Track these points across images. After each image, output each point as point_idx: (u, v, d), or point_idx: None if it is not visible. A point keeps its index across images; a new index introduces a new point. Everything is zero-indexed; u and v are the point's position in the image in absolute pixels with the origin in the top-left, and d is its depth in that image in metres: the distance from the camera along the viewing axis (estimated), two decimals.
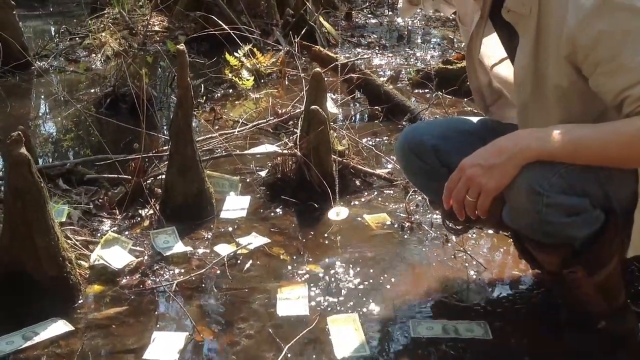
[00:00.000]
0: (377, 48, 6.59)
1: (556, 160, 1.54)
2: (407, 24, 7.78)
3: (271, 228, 2.65)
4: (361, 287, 2.20)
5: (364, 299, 2.13)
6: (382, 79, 4.56)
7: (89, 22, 6.93)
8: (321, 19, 6.46)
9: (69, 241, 2.28)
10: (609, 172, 1.57)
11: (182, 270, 2.31)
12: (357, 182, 3.07)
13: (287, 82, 4.97)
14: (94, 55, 6.12)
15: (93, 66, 5.82)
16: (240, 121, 3.81)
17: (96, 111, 4.27)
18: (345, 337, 1.91)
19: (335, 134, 3.12)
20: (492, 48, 1.88)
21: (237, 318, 2.04)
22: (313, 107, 2.76)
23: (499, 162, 1.57)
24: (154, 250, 2.43)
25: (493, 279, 2.25)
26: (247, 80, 4.79)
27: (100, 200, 2.83)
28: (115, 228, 2.61)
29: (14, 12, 5.62)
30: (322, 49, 4.70)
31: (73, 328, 1.97)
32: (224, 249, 2.43)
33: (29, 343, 1.89)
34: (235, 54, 4.95)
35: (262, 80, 5.03)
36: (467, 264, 2.32)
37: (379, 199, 2.93)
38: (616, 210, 1.64)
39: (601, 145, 1.52)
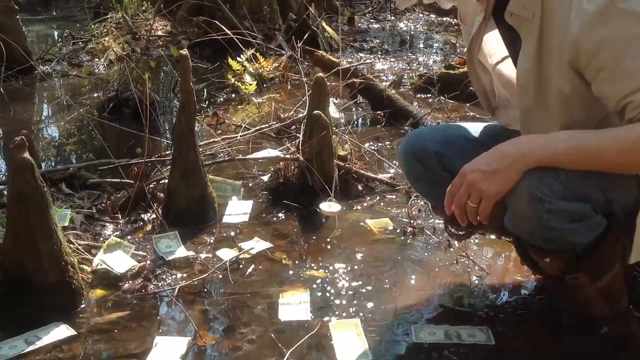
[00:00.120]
0: (380, 53, 6.60)
1: (558, 166, 1.54)
2: (409, 28, 7.79)
3: (273, 233, 2.65)
4: (363, 292, 2.20)
5: (366, 304, 2.13)
6: (384, 83, 4.57)
7: (92, 26, 6.95)
8: (324, 23, 6.48)
9: (71, 245, 2.28)
10: (611, 178, 1.57)
11: (185, 275, 2.31)
12: (360, 187, 3.07)
13: (289, 87, 4.99)
14: (97, 59, 6.14)
15: (96, 70, 5.83)
16: (243, 126, 3.82)
17: (99, 115, 4.27)
18: (347, 342, 1.91)
19: (337, 139, 3.12)
20: (494, 45, 1.88)
21: (239, 323, 2.04)
22: (315, 111, 2.77)
23: (501, 168, 1.57)
24: (157, 255, 2.43)
25: (495, 284, 2.25)
26: (250, 84, 4.79)
27: (102, 204, 2.84)
28: (117, 232, 2.61)
29: (17, 16, 5.64)
30: (324, 53, 4.70)
31: (75, 332, 1.97)
32: (226, 254, 2.43)
33: (31, 347, 1.89)
34: (238, 58, 4.96)
35: (265, 85, 5.04)
36: (469, 269, 2.32)
37: (381, 203, 2.94)
38: (618, 216, 1.65)
39: (603, 151, 1.52)
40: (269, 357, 1.86)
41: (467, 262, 2.36)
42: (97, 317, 2.07)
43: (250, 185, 3.09)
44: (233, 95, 4.92)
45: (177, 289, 2.20)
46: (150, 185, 2.86)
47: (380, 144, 3.74)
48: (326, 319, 2.03)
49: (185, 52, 2.54)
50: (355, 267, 2.37)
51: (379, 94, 4.22)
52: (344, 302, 2.14)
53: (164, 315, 2.10)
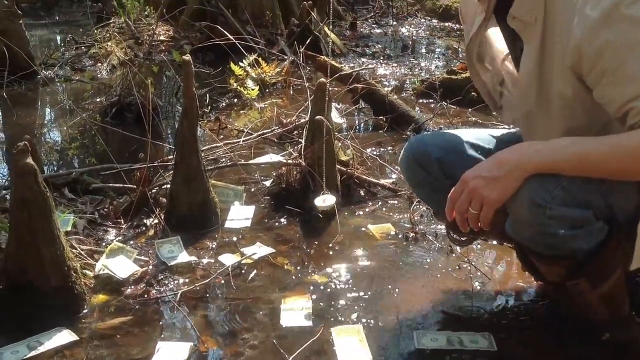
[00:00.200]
0: (382, 58, 6.61)
1: (558, 173, 1.54)
2: (411, 33, 7.80)
3: (275, 238, 2.65)
4: (365, 297, 2.20)
5: (368, 309, 2.13)
6: (386, 88, 4.57)
7: (95, 31, 6.97)
8: (326, 28, 6.48)
9: (74, 250, 2.29)
10: (612, 184, 1.57)
11: (187, 280, 2.31)
12: (362, 192, 3.08)
13: (291, 92, 4.99)
14: (99, 64, 6.16)
15: (99, 75, 5.85)
16: (245, 131, 3.83)
17: (102, 120, 4.28)
18: (349, 348, 1.91)
19: (340, 144, 3.13)
20: (500, 41, 1.88)
21: (241, 328, 2.04)
22: (318, 117, 2.77)
23: (502, 175, 1.57)
24: (159, 260, 2.43)
25: (497, 290, 2.25)
26: (252, 89, 4.80)
27: (105, 209, 2.84)
28: (120, 237, 2.62)
29: (20, 21, 5.65)
30: (326, 58, 4.71)
31: (78, 338, 1.97)
32: (228, 259, 2.43)
33: (33, 353, 1.89)
34: (240, 63, 4.96)
35: (267, 90, 5.04)
36: (471, 275, 2.32)
37: (383, 209, 2.94)
38: (619, 222, 1.65)
39: (603, 158, 1.52)
40: None
41: (469, 267, 2.36)
42: (100, 322, 2.07)
43: (252, 190, 3.09)
44: (235, 100, 4.93)
45: (179, 294, 2.20)
46: (153, 190, 2.87)
47: (382, 149, 3.74)
48: (328, 324, 2.03)
49: (188, 57, 2.54)
50: (357, 272, 2.37)
51: (381, 99, 4.22)
52: (346, 308, 2.14)
53: (166, 321, 2.10)
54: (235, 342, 1.97)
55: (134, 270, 2.33)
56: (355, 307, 2.14)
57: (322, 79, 2.93)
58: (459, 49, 6.77)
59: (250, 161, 3.35)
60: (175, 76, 4.93)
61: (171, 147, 3.54)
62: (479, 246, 2.52)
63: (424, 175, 1.98)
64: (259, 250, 2.50)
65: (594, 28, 1.47)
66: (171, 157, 3.16)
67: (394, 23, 8.77)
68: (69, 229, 2.55)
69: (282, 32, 6.83)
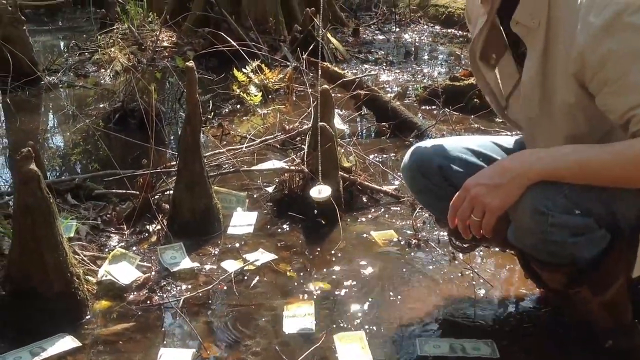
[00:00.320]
0: (384, 64, 6.62)
1: (560, 181, 1.55)
2: (414, 40, 7.81)
3: (278, 244, 2.65)
4: (368, 304, 2.20)
5: (371, 316, 2.13)
6: (389, 95, 4.58)
7: (99, 37, 6.99)
8: (329, 35, 6.50)
9: (77, 256, 2.29)
10: (614, 192, 1.57)
11: (189, 286, 2.31)
12: (364, 199, 3.08)
13: (294, 98, 5.00)
14: (103, 70, 6.18)
15: (102, 81, 5.87)
16: (248, 137, 3.84)
17: (105, 126, 4.29)
18: (352, 355, 1.91)
19: (342, 150, 3.13)
20: None
21: (243, 335, 2.04)
22: (321, 123, 2.77)
23: (504, 182, 1.57)
24: (161, 266, 2.43)
25: (500, 297, 2.25)
26: (255, 96, 4.81)
27: (108, 215, 2.85)
28: (123, 243, 2.62)
29: (24, 27, 5.67)
30: (329, 65, 4.72)
31: (80, 344, 1.97)
32: (231, 265, 2.43)
33: (36, 359, 1.90)
34: (243, 69, 4.97)
35: (270, 96, 5.05)
36: (474, 282, 2.32)
37: (386, 215, 2.94)
38: (622, 230, 1.65)
39: (605, 166, 1.52)
40: None
41: (471, 274, 2.36)
42: (102, 328, 2.08)
43: (255, 196, 3.10)
44: (238, 106, 4.93)
45: (181, 300, 2.20)
46: (156, 197, 2.87)
47: (385, 156, 3.75)
48: (331, 331, 2.02)
49: (191, 64, 2.55)
50: (360, 279, 2.37)
51: (383, 106, 4.22)
52: (348, 314, 2.14)
53: (168, 327, 2.10)
54: (237, 348, 1.97)
55: (136, 276, 2.34)
56: (358, 314, 2.14)
57: (325, 86, 2.94)
58: (462, 56, 6.78)
59: (253, 167, 3.36)
60: (178, 82, 4.95)
61: (174, 153, 3.54)
62: (481, 253, 2.52)
63: (426, 182, 1.98)
64: (262, 256, 2.50)
65: (597, 36, 1.47)
66: (174, 163, 3.16)
67: (397, 29, 8.79)
68: (71, 235, 2.55)
69: (285, 39, 6.85)
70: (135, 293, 2.27)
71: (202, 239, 2.66)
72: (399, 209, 3.00)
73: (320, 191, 2.53)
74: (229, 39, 5.32)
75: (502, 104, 1.92)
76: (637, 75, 1.45)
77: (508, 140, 2.07)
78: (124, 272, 2.33)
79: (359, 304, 2.20)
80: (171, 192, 2.76)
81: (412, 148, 2.06)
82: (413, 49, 7.18)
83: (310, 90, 4.20)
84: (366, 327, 2.06)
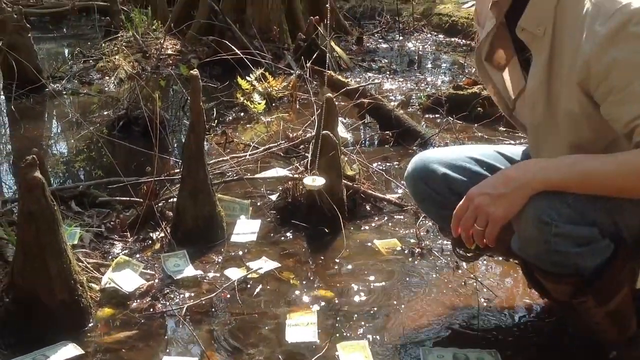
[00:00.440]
0: (388, 73, 6.62)
1: (564, 191, 1.54)
2: (417, 48, 7.82)
3: (281, 252, 2.65)
4: (371, 313, 2.20)
5: (374, 325, 2.12)
6: (392, 103, 4.58)
7: (103, 44, 7.01)
8: (333, 43, 6.51)
9: (80, 264, 2.29)
10: (618, 202, 1.57)
11: (192, 294, 2.31)
12: (368, 207, 3.08)
13: (298, 106, 5.01)
14: (107, 77, 6.19)
15: (106, 89, 5.88)
16: (252, 145, 3.84)
17: (109, 134, 4.30)
18: None
19: (346, 159, 3.13)
20: None
21: (246, 343, 2.03)
22: (324, 131, 2.78)
23: (507, 192, 1.57)
24: (165, 274, 2.43)
25: (504, 306, 2.24)
26: (259, 104, 4.81)
27: (112, 222, 2.85)
28: (126, 251, 2.62)
29: (29, 34, 5.69)
30: (333, 73, 4.72)
31: (83, 352, 1.97)
32: (234, 273, 2.43)
33: None
34: (247, 77, 4.98)
35: (274, 104, 5.06)
36: (477, 291, 2.31)
37: (389, 224, 2.93)
38: (626, 240, 1.64)
39: (609, 176, 1.52)
40: None
41: (475, 284, 2.35)
42: (105, 336, 2.08)
43: (258, 204, 3.10)
44: (242, 114, 4.94)
45: (184, 308, 2.20)
46: (159, 204, 2.87)
47: (388, 164, 3.75)
48: (334, 340, 2.02)
49: (195, 72, 2.56)
50: (363, 288, 2.36)
51: (387, 114, 4.22)
52: (351, 323, 2.13)
53: (171, 335, 2.10)
54: (240, 357, 1.97)
55: (139, 283, 2.34)
56: (361, 323, 2.14)
57: (329, 94, 2.94)
58: (465, 64, 6.79)
59: (257, 175, 3.36)
60: (182, 90, 4.95)
61: (178, 160, 3.55)
62: (485, 262, 2.52)
63: (429, 191, 1.98)
64: (265, 264, 2.50)
65: (603, 45, 1.47)
66: (178, 170, 3.17)
67: (400, 38, 8.79)
68: (75, 242, 2.55)
69: (289, 47, 6.86)
70: (138, 301, 2.27)
71: (206, 246, 2.66)
72: (402, 217, 3.00)
73: (314, 180, 2.67)
74: (233, 47, 5.33)
75: (510, 106, 1.91)
76: None
77: (512, 149, 2.07)
78: (127, 279, 2.33)
79: (362, 313, 2.20)
80: (175, 199, 2.76)
81: (415, 157, 2.06)
82: (417, 57, 7.19)
83: (313, 98, 4.20)
84: (369, 336, 2.05)
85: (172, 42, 7.23)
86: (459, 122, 4.42)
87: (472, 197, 1.62)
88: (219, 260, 2.57)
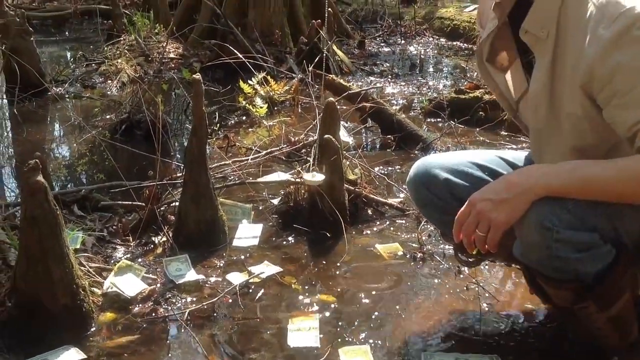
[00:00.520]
0: (390, 77, 6.63)
1: (566, 196, 1.55)
2: (419, 52, 7.83)
3: (283, 257, 2.65)
4: (373, 318, 2.20)
5: (376, 330, 2.12)
6: (394, 107, 4.59)
7: (105, 48, 7.02)
8: (335, 47, 6.52)
9: (82, 268, 2.29)
10: (619, 207, 1.57)
11: (194, 299, 2.31)
12: (369, 212, 3.08)
13: (300, 110, 5.01)
14: (109, 81, 6.20)
15: (109, 92, 5.89)
16: (254, 149, 3.84)
17: (111, 137, 4.30)
18: None
19: (347, 163, 3.14)
20: None
21: (248, 348, 2.03)
22: (326, 136, 2.78)
23: (509, 197, 1.57)
24: (167, 278, 2.43)
25: (505, 311, 2.24)
26: (261, 107, 4.82)
27: (114, 227, 2.85)
28: (128, 255, 2.63)
29: (32, 38, 5.71)
30: (335, 77, 4.73)
31: (85, 356, 1.97)
32: (236, 278, 2.43)
33: None
34: (249, 81, 4.99)
35: (276, 108, 5.07)
36: (479, 296, 2.31)
37: (391, 228, 2.94)
38: (627, 245, 1.64)
39: (610, 182, 1.52)
40: None
41: (477, 289, 2.35)
42: (107, 340, 2.08)
43: (260, 208, 3.10)
44: (244, 118, 4.95)
45: (186, 313, 2.20)
46: (162, 208, 2.87)
47: (390, 168, 3.75)
48: (335, 345, 2.02)
49: (198, 76, 2.56)
50: (365, 292, 2.36)
51: (389, 118, 4.23)
52: (353, 328, 2.13)
53: (173, 340, 2.10)
54: None
55: (141, 288, 2.34)
56: (363, 328, 2.13)
57: (331, 98, 2.94)
58: (467, 68, 6.80)
59: (259, 179, 3.36)
60: (184, 94, 4.96)
61: (180, 164, 3.56)
62: (487, 267, 2.51)
63: (431, 196, 1.98)
64: (267, 269, 2.50)
65: (606, 48, 1.47)
66: (180, 174, 3.17)
67: (402, 42, 8.81)
68: (77, 246, 2.55)
69: (290, 51, 6.88)
70: (140, 305, 2.27)
71: (208, 251, 2.66)
72: (404, 222, 3.00)
73: (314, 175, 2.71)
74: (235, 50, 5.34)
75: (514, 107, 1.91)
76: None
77: (514, 154, 2.07)
78: (129, 284, 2.33)
79: (364, 318, 2.20)
80: (177, 203, 2.77)
81: (417, 162, 2.06)
82: (418, 61, 7.20)
83: (315, 102, 4.21)
84: (371, 340, 2.05)
85: (175, 45, 7.26)
86: (460, 126, 4.42)
87: (474, 202, 1.62)
88: (221, 264, 2.57)
